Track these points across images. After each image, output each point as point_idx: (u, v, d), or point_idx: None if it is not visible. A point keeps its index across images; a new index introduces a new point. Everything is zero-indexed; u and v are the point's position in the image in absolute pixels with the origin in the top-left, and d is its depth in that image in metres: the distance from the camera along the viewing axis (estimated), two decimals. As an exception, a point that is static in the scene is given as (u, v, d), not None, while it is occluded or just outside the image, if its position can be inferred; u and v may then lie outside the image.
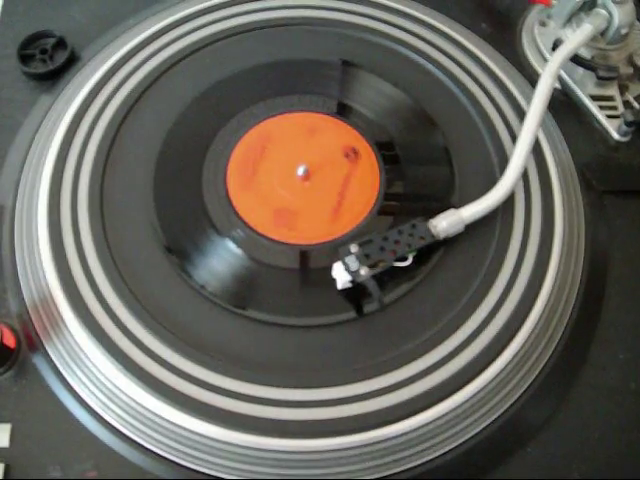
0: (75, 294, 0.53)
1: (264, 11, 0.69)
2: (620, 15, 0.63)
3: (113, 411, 0.50)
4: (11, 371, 0.52)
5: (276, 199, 0.58)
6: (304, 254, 0.56)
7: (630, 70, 0.67)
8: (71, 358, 0.52)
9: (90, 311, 0.52)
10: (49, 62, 0.66)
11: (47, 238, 0.55)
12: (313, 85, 0.65)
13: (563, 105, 0.66)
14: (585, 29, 0.63)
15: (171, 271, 0.55)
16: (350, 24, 0.68)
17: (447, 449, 0.50)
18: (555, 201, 0.58)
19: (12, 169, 0.61)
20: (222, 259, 0.56)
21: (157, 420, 0.49)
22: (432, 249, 0.55)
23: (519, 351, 0.52)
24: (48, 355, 0.53)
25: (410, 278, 0.54)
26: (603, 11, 0.64)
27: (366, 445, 0.48)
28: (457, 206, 0.56)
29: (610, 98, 0.66)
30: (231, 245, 0.56)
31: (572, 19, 0.68)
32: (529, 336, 0.52)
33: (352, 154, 0.58)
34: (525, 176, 0.59)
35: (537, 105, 0.59)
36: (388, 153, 0.61)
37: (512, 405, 0.52)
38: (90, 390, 0.51)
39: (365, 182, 0.59)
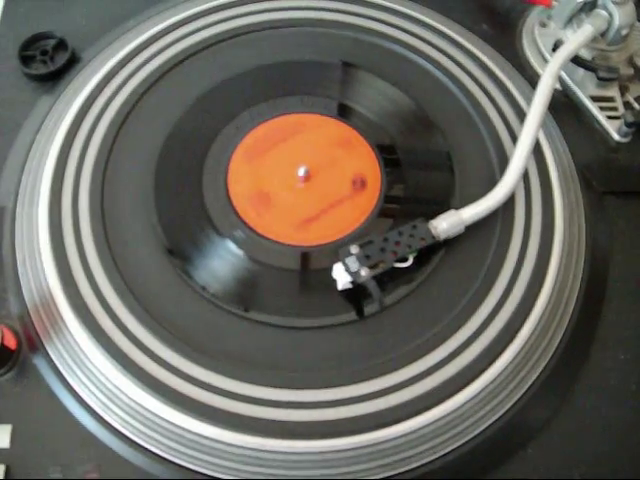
0: (76, 295, 0.53)
1: (265, 12, 0.69)
2: (620, 16, 0.63)
3: (113, 412, 0.50)
4: (12, 372, 0.52)
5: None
6: (305, 255, 0.56)
7: (630, 71, 0.67)
8: (72, 359, 0.52)
9: (91, 312, 0.52)
10: (50, 63, 0.66)
11: (48, 239, 0.55)
12: (314, 86, 0.65)
13: (563, 106, 0.66)
14: (585, 30, 0.63)
15: (172, 272, 0.55)
16: (351, 25, 0.68)
17: (448, 450, 0.50)
18: (555, 202, 0.58)
19: (13, 170, 0.61)
20: (223, 260, 0.56)
21: (157, 421, 0.49)
22: (432, 250, 0.55)
23: (520, 352, 0.52)
24: (49, 356, 0.53)
25: (410, 279, 0.54)
26: (603, 12, 0.64)
27: (367, 446, 0.48)
28: (457, 207, 0.56)
29: (610, 99, 0.66)
30: (232, 246, 0.56)
31: (572, 20, 0.68)
32: (530, 337, 0.52)
33: (359, 184, 0.58)
34: (525, 177, 0.59)
35: (537, 106, 0.59)
36: (389, 156, 0.61)
37: (513, 406, 0.52)
38: (90, 391, 0.51)
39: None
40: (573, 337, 0.55)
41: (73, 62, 0.67)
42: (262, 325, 0.53)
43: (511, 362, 0.51)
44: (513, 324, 0.52)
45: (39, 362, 0.53)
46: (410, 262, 0.54)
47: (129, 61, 0.65)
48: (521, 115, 0.62)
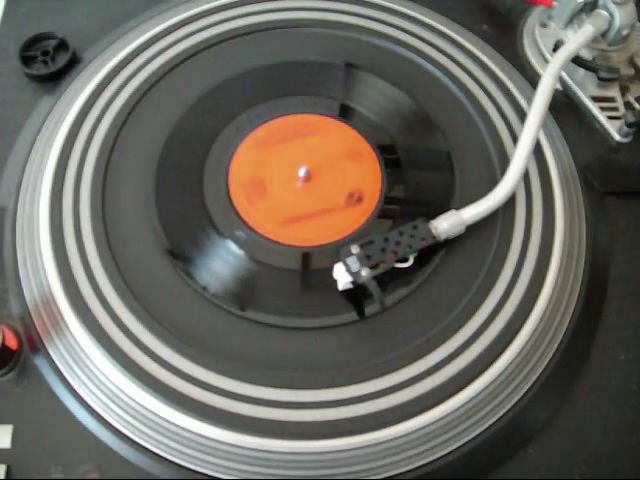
0: (77, 295, 0.53)
1: (267, 13, 0.69)
2: (621, 16, 0.63)
3: (114, 412, 0.50)
4: (13, 372, 0.52)
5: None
6: (306, 255, 0.56)
7: (631, 71, 0.67)
8: (73, 359, 0.52)
9: (91, 312, 0.52)
10: (51, 64, 0.67)
11: (49, 239, 0.55)
12: (316, 87, 0.65)
13: (564, 106, 0.66)
14: (586, 30, 0.63)
15: (173, 272, 0.55)
16: (353, 26, 0.68)
17: (448, 450, 0.50)
18: (556, 202, 0.58)
19: (14, 170, 0.61)
20: (224, 260, 0.56)
21: (158, 421, 0.49)
22: (433, 250, 0.55)
23: (520, 352, 0.52)
24: (49, 356, 0.53)
25: (411, 279, 0.54)
26: (604, 12, 0.64)
27: (367, 446, 0.48)
28: (458, 207, 0.56)
29: (611, 99, 0.66)
30: (233, 246, 0.56)
31: (573, 20, 0.68)
32: (530, 337, 0.52)
33: (355, 198, 0.58)
34: (526, 177, 0.59)
35: (538, 106, 0.59)
36: (390, 156, 0.61)
37: (514, 406, 0.52)
38: (91, 391, 0.51)
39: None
40: (574, 337, 0.55)
41: (74, 62, 0.67)
42: (263, 325, 0.53)
43: (512, 362, 0.51)
44: (514, 324, 0.52)
45: (40, 362, 0.53)
46: (411, 262, 0.54)
47: (130, 61, 0.65)
48: (522, 115, 0.62)
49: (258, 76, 0.65)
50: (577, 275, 0.57)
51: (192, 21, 0.68)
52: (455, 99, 0.64)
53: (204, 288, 0.54)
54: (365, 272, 0.52)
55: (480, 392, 0.50)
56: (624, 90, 0.67)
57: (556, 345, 0.54)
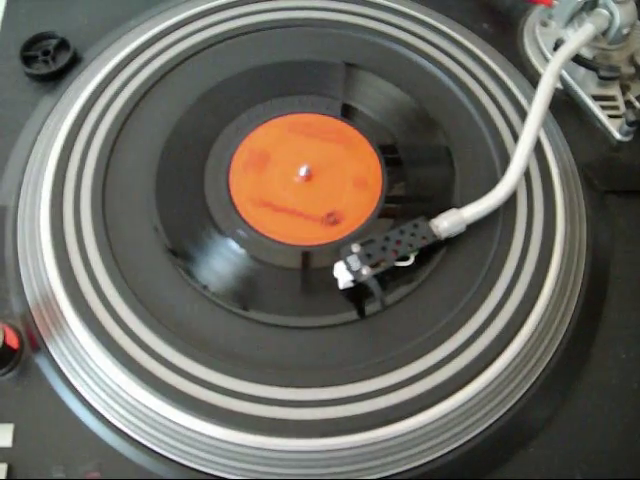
0: (77, 294, 0.53)
1: (267, 12, 0.69)
2: (621, 15, 0.63)
3: (116, 411, 0.50)
4: (14, 371, 0.52)
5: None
6: (306, 254, 0.56)
7: (632, 70, 0.67)
8: (74, 358, 0.52)
9: (92, 311, 0.52)
10: (51, 63, 0.67)
11: (49, 239, 0.55)
12: (316, 86, 0.65)
13: (565, 105, 0.66)
14: (586, 29, 0.63)
15: (173, 271, 0.55)
16: (353, 25, 0.68)
17: (449, 449, 0.50)
18: (557, 201, 0.58)
19: (15, 170, 0.61)
20: (224, 259, 0.56)
21: (160, 420, 0.49)
22: (434, 249, 0.55)
23: (521, 350, 0.52)
24: (51, 355, 0.53)
25: (412, 278, 0.54)
26: (604, 11, 0.64)
27: (367, 445, 0.48)
28: (459, 206, 0.56)
29: (612, 98, 0.66)
30: (233, 245, 0.56)
31: (573, 19, 0.68)
32: (531, 336, 0.52)
33: (332, 219, 0.57)
34: (527, 176, 0.59)
35: (539, 105, 0.59)
36: (390, 155, 0.61)
37: (514, 405, 0.52)
38: (93, 390, 0.51)
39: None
40: (574, 336, 0.55)
41: (75, 62, 0.67)
42: (263, 324, 0.53)
43: (512, 361, 0.51)
44: (514, 323, 0.52)
45: (41, 361, 0.53)
46: (411, 261, 0.54)
47: (131, 61, 0.65)
48: (522, 114, 0.62)
49: (258, 76, 0.65)
50: (578, 274, 0.57)
51: (192, 21, 0.68)
52: (455, 98, 0.64)
53: (205, 287, 0.54)
54: (366, 271, 0.52)
55: (480, 391, 0.50)
56: (625, 89, 0.67)
57: (557, 344, 0.54)
